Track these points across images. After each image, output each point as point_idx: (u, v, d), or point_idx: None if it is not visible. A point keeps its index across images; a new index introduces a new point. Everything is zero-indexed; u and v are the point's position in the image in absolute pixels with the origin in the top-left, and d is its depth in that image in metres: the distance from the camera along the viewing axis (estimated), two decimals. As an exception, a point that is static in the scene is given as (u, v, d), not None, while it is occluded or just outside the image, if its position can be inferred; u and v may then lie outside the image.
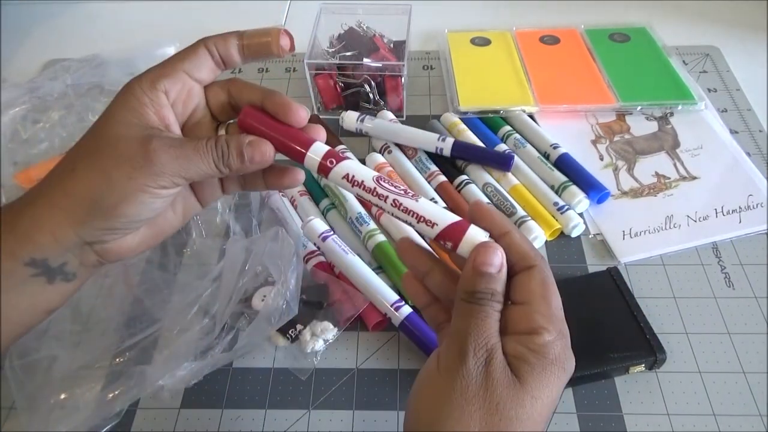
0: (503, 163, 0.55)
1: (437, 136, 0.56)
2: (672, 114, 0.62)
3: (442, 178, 0.55)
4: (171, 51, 0.59)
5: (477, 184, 0.55)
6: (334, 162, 0.32)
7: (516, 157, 0.57)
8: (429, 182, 0.55)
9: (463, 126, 0.60)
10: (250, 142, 0.32)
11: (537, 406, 0.27)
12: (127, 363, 0.44)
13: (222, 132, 0.35)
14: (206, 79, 0.34)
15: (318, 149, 0.32)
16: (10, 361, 0.41)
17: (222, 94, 0.34)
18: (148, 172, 0.30)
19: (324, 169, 0.32)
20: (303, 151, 0.32)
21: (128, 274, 0.49)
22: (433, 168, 0.56)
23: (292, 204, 0.55)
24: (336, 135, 0.61)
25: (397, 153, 0.58)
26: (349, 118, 0.59)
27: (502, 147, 0.58)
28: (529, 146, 0.58)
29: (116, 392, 0.41)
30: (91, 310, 0.47)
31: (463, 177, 0.55)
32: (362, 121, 0.59)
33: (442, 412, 0.27)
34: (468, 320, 0.28)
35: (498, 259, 0.29)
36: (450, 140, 0.56)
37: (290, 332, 0.45)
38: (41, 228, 0.30)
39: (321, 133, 0.34)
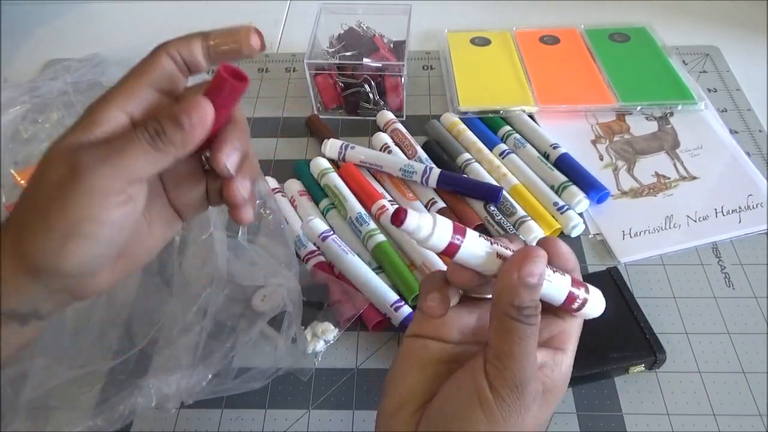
0: (491, 196, 0.53)
1: (424, 166, 0.54)
2: (672, 114, 0.62)
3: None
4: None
5: (477, 184, 0.55)
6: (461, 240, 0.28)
7: (516, 157, 0.57)
8: (427, 183, 0.55)
9: (463, 126, 0.60)
10: (183, 106, 0.27)
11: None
12: (125, 365, 0.44)
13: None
14: (175, 90, 0.30)
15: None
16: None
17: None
18: (81, 192, 0.25)
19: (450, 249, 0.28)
20: None
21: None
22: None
23: (292, 204, 0.55)
24: (336, 134, 0.61)
25: (398, 153, 0.58)
26: (332, 147, 0.58)
27: (501, 147, 0.58)
28: (529, 146, 0.58)
29: (117, 406, 0.40)
30: (90, 313, 0.47)
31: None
32: (345, 149, 0.57)
33: None
34: (519, 343, 0.27)
35: (542, 267, 0.27)
36: (437, 171, 0.54)
37: (276, 318, 0.44)
38: (6, 282, 0.27)
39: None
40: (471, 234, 0.28)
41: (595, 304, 0.30)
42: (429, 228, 0.27)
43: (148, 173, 0.27)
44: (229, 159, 0.30)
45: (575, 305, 0.30)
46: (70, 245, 0.26)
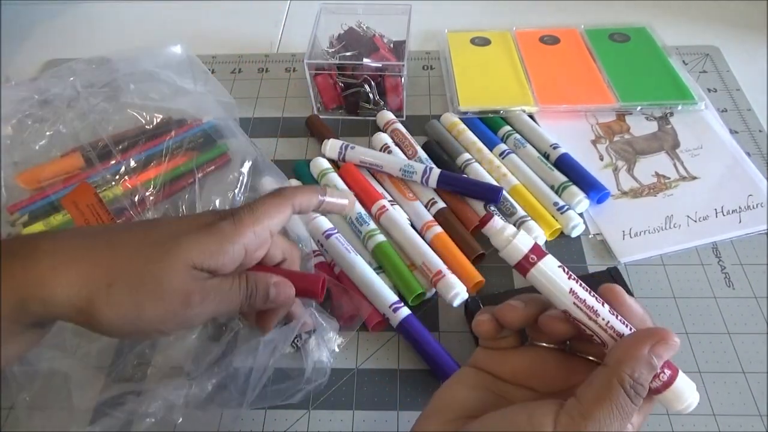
0: (491, 196, 0.52)
1: (424, 166, 0.54)
2: (672, 114, 0.62)
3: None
4: (177, 51, 0.59)
5: (477, 184, 0.55)
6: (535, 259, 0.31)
7: (516, 157, 0.57)
8: (428, 184, 0.55)
9: (463, 126, 0.60)
10: (276, 283, 0.34)
11: None
12: (125, 367, 0.44)
13: None
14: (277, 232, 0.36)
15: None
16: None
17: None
18: (182, 318, 0.31)
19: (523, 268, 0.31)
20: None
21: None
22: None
23: (292, 204, 0.55)
24: (336, 134, 0.61)
25: (398, 153, 0.58)
26: (332, 147, 0.58)
27: (501, 147, 0.58)
28: (529, 146, 0.58)
29: (118, 414, 0.40)
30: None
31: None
32: (345, 149, 0.57)
33: None
34: (612, 412, 0.26)
35: (670, 354, 0.28)
36: (437, 171, 0.54)
37: (295, 340, 0.44)
38: (50, 286, 0.29)
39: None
40: (550, 259, 0.31)
41: (681, 392, 0.28)
42: (512, 232, 0.30)
43: (224, 314, 0.38)
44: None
45: (654, 383, 0.28)
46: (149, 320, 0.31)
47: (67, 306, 0.29)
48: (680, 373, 0.29)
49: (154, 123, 0.56)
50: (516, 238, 0.30)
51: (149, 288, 0.30)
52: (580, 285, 0.30)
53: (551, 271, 0.30)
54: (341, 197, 0.39)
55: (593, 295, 0.30)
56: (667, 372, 0.28)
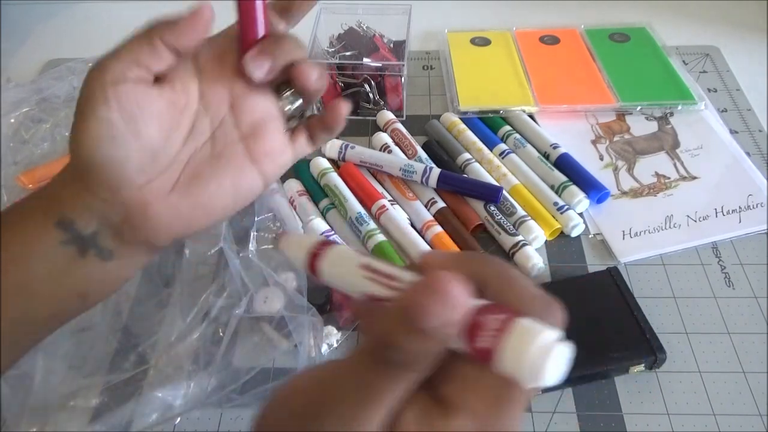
0: (491, 196, 0.52)
1: (424, 166, 0.54)
2: (672, 114, 0.62)
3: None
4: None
5: (477, 184, 0.55)
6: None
7: (516, 157, 0.57)
8: (427, 183, 0.55)
9: (463, 126, 0.60)
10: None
11: None
12: (124, 369, 0.44)
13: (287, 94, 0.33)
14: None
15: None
16: None
17: None
18: (95, 86, 0.28)
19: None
20: None
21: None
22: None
23: (292, 204, 0.55)
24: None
25: (398, 153, 0.58)
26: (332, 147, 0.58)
27: (502, 147, 0.58)
28: (529, 146, 0.58)
29: (118, 415, 0.40)
30: (87, 319, 0.47)
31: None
32: (345, 149, 0.57)
33: None
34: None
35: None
36: (437, 171, 0.54)
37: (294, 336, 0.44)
38: (64, 187, 0.29)
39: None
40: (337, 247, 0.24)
41: (523, 354, 0.17)
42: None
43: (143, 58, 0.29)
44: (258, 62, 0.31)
45: (479, 342, 0.18)
46: (88, 129, 0.28)
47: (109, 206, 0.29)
48: (517, 328, 0.17)
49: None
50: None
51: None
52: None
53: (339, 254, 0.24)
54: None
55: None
56: (495, 322, 0.18)
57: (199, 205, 0.31)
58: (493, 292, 0.20)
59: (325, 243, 0.24)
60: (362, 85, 0.61)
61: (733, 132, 0.60)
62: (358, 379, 0.20)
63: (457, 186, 0.54)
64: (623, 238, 0.51)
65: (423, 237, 0.50)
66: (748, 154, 0.58)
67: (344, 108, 0.34)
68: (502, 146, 0.58)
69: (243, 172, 0.32)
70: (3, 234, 0.29)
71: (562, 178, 0.54)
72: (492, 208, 0.52)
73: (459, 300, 0.18)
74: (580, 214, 0.53)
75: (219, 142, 0.32)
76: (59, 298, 0.30)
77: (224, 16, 0.32)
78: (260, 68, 0.31)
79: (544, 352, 0.17)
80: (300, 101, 0.34)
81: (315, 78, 0.32)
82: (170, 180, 0.30)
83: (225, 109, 0.32)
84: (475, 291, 0.20)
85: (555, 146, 0.57)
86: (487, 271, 0.21)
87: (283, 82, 0.33)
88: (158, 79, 0.30)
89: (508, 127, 0.60)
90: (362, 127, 0.63)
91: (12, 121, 0.59)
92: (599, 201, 0.54)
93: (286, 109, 0.34)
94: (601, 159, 0.58)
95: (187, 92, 0.31)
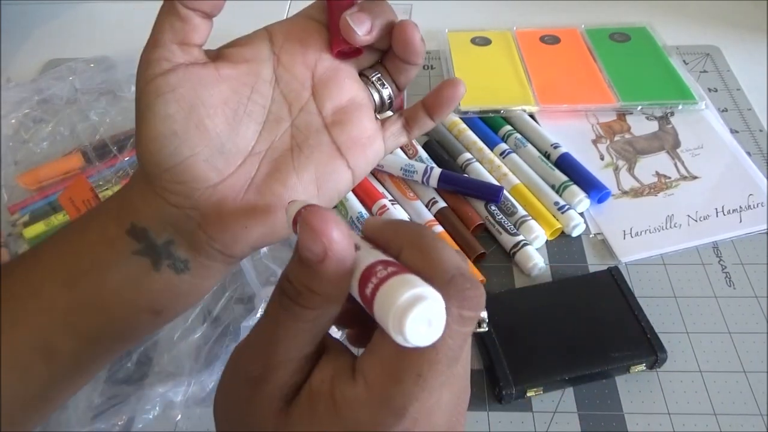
0: (492, 196, 0.52)
1: (424, 165, 0.54)
2: (672, 114, 0.62)
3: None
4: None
5: (477, 184, 0.55)
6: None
7: (517, 157, 0.57)
8: (428, 183, 0.55)
9: (463, 126, 0.60)
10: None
11: None
12: (124, 368, 0.44)
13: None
14: None
15: None
16: None
17: None
18: (144, 88, 0.26)
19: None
20: None
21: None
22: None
23: (293, 204, 0.55)
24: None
25: (399, 152, 0.58)
26: None
27: (502, 146, 0.58)
28: (529, 146, 0.58)
29: (118, 413, 0.40)
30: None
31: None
32: None
33: None
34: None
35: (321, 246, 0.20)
36: (437, 171, 0.54)
37: None
38: (135, 194, 0.27)
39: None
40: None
41: (391, 303, 0.17)
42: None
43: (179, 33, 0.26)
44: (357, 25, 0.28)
45: (366, 290, 0.19)
46: (147, 130, 0.26)
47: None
48: (397, 279, 0.18)
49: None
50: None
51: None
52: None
53: None
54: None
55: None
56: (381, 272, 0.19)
57: (279, 205, 0.27)
58: (404, 258, 0.21)
59: (313, 206, 0.23)
60: (363, 84, 0.61)
61: (733, 132, 0.60)
62: (269, 317, 0.22)
63: (457, 186, 0.54)
64: (624, 238, 0.51)
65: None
66: (748, 153, 0.58)
67: (462, 87, 0.30)
68: (503, 146, 0.58)
69: (329, 165, 0.29)
70: (74, 243, 0.27)
71: (563, 177, 0.54)
72: (493, 207, 0.52)
73: (322, 231, 0.19)
74: (581, 214, 0.53)
75: (300, 131, 0.29)
76: (132, 313, 0.27)
77: (229, 16, 0.32)
78: (362, 25, 0.28)
79: (410, 305, 0.17)
80: (390, 87, 0.30)
81: (419, 38, 0.28)
82: (246, 176, 0.27)
83: (306, 94, 0.29)
84: (393, 255, 0.21)
85: (556, 146, 0.57)
86: (405, 239, 0.22)
87: (370, 67, 0.30)
88: (215, 60, 0.27)
89: (508, 127, 0.60)
90: (363, 127, 0.63)
91: (12, 121, 0.59)
92: (600, 201, 0.54)
93: (376, 95, 0.30)
94: (602, 159, 0.58)
95: (255, 74, 0.28)
